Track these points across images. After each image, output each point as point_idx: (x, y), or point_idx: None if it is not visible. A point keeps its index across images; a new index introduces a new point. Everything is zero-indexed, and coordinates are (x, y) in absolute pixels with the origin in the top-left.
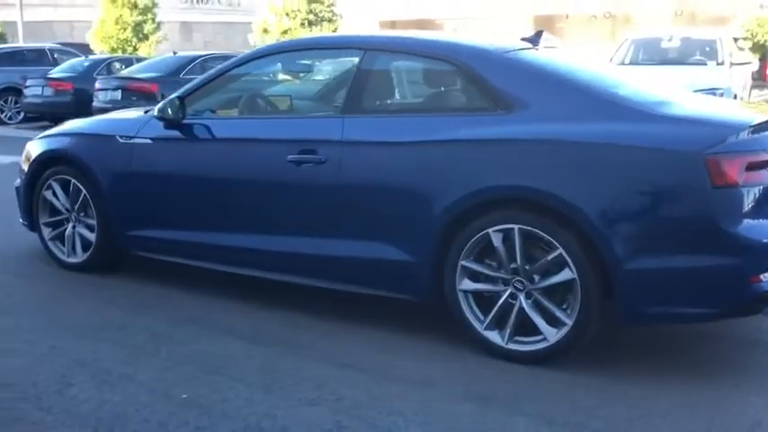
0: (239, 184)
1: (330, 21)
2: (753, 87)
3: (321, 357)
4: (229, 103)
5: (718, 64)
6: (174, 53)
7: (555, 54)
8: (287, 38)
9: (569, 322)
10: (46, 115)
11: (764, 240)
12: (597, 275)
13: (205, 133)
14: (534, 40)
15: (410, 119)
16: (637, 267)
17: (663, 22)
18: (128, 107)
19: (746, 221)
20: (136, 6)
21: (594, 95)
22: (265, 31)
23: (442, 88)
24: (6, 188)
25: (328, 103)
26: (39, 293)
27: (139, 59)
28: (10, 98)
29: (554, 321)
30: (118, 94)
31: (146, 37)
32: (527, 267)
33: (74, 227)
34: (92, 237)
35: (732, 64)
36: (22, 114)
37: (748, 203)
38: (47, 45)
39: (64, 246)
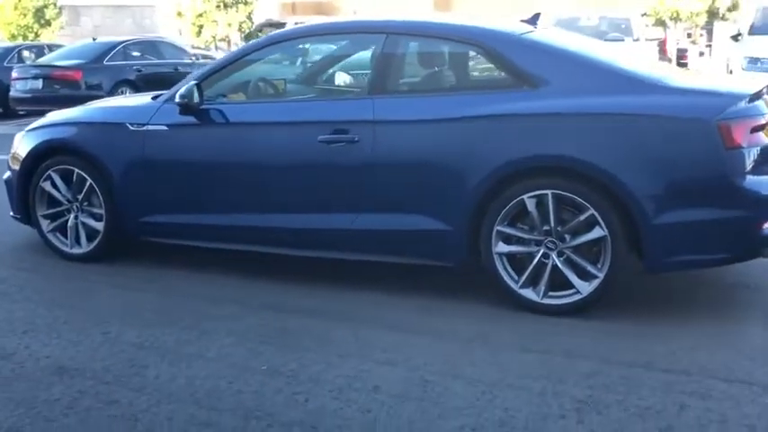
0: (267, 166)
1: (246, 3)
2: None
3: (374, 325)
4: (249, 88)
5: (634, 40)
6: (94, 39)
7: (559, 34)
8: (203, 21)
9: (600, 275)
10: None
11: (764, 193)
12: (625, 232)
13: (228, 118)
14: (533, 21)
15: (440, 97)
16: (662, 222)
17: None
18: (51, 96)
19: (750, 177)
20: None
21: (607, 71)
22: (179, 14)
23: (468, 69)
24: None
25: (355, 84)
26: (51, 285)
27: (51, 47)
28: None
29: (585, 275)
30: (39, 83)
31: (48, 23)
32: (559, 229)
33: (76, 217)
34: (98, 226)
35: (646, 39)
36: None
37: (751, 162)
38: None
39: (64, 237)
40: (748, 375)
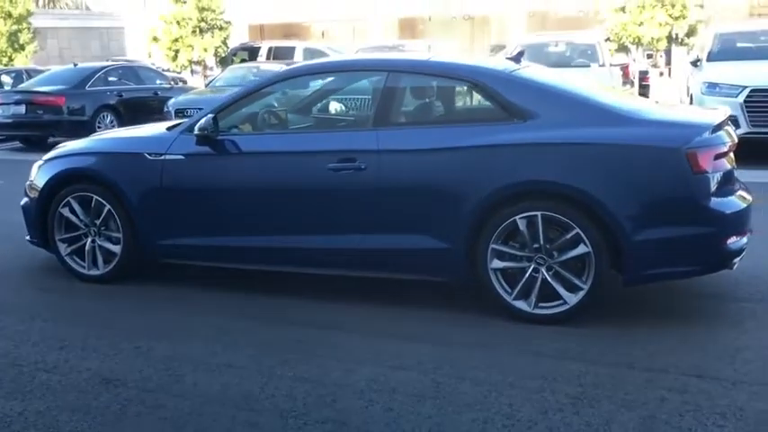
0: (279, 192)
1: (221, 29)
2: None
3: (385, 335)
4: (262, 120)
5: (600, 65)
6: (75, 65)
7: (543, 71)
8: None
9: (585, 287)
10: None
11: (728, 212)
12: (607, 248)
13: (242, 147)
14: (517, 59)
15: (438, 129)
16: (639, 239)
17: (518, 24)
18: (34, 121)
19: (715, 199)
20: (10, 15)
21: (589, 105)
22: (155, 39)
23: (463, 103)
24: None
25: (360, 117)
26: (75, 305)
27: (30, 71)
28: None
29: (572, 288)
30: (22, 109)
31: (21, 47)
32: (547, 246)
33: (93, 241)
34: (115, 249)
35: (611, 65)
36: None
37: (715, 185)
38: None
39: (81, 260)
40: (717, 372)
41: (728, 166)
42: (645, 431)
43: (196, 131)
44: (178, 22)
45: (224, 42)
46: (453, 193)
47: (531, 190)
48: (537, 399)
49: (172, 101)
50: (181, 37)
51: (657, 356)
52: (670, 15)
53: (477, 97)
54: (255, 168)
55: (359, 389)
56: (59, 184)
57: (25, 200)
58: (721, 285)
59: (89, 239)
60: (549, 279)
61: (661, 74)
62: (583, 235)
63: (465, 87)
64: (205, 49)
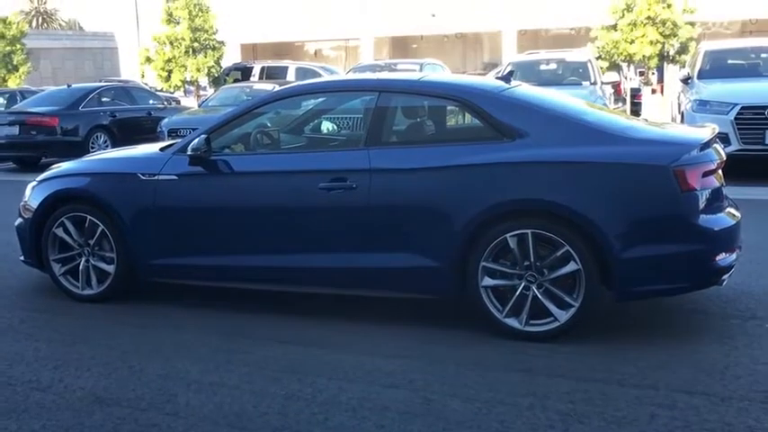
0: (271, 211)
1: (214, 49)
2: (615, 101)
3: (375, 354)
4: (254, 140)
5: (591, 84)
6: (69, 85)
7: (533, 90)
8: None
9: (576, 304)
10: None
11: (716, 229)
12: (597, 265)
13: (235, 167)
14: (507, 78)
15: (428, 148)
16: (628, 256)
17: (509, 42)
18: (28, 142)
19: (704, 216)
20: (3, 37)
21: (577, 124)
22: (148, 59)
23: (453, 122)
24: None
25: (351, 137)
26: (69, 325)
27: (23, 93)
28: None
29: (563, 305)
30: (15, 129)
31: (15, 68)
32: (538, 264)
33: (87, 261)
34: (108, 268)
35: (602, 83)
36: None
37: (704, 202)
38: None
39: (75, 279)
40: (707, 388)
41: (717, 184)
42: None
43: (189, 152)
44: (171, 43)
45: (217, 62)
46: (444, 212)
47: (521, 208)
48: (528, 416)
49: (165, 121)
50: (174, 57)
51: (647, 373)
52: (661, 33)
53: (467, 116)
54: (248, 188)
55: (351, 407)
56: (53, 204)
57: (19, 220)
58: (711, 302)
59: (83, 259)
60: (539, 296)
61: (653, 91)
62: (573, 252)
63: (455, 107)
64: (198, 70)
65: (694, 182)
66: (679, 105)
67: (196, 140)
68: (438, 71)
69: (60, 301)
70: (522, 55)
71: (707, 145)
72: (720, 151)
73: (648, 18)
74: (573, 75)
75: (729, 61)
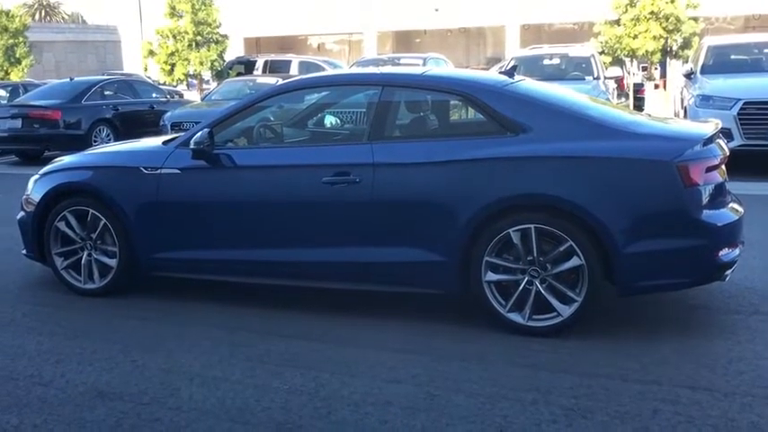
0: (274, 205)
1: (218, 42)
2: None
3: (378, 348)
4: (257, 134)
5: (594, 78)
6: (71, 78)
7: (536, 84)
8: (174, 59)
9: (579, 299)
10: None
11: (719, 224)
12: (600, 260)
13: (237, 161)
14: (510, 73)
15: (432, 143)
16: (632, 251)
17: (512, 37)
18: (30, 135)
19: (707, 212)
20: (6, 30)
21: (581, 119)
22: (151, 53)
23: (456, 117)
24: None
25: (354, 131)
26: (72, 319)
27: (26, 86)
28: None
29: (566, 300)
30: (18, 123)
31: (18, 61)
32: (541, 258)
33: (89, 254)
34: (111, 262)
35: (605, 78)
36: None
37: (707, 198)
38: None
39: (77, 273)
40: (710, 383)
41: (720, 179)
42: None
43: (192, 145)
44: (174, 36)
45: (220, 56)
46: (447, 206)
47: (524, 203)
48: (531, 411)
49: (168, 114)
50: (177, 51)
51: (650, 368)
52: (664, 28)
53: (470, 111)
54: (251, 182)
55: (353, 401)
56: (56, 198)
57: (21, 214)
58: (713, 297)
59: (85, 253)
60: (542, 291)
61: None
62: (576, 247)
63: (458, 101)
64: (201, 63)
65: (697, 177)
66: (682, 100)
67: (199, 134)
68: (441, 66)
69: (62, 295)
70: (526, 50)
71: (710, 140)
72: (724, 146)
73: (652, 13)
74: (576, 70)
75: (733, 56)
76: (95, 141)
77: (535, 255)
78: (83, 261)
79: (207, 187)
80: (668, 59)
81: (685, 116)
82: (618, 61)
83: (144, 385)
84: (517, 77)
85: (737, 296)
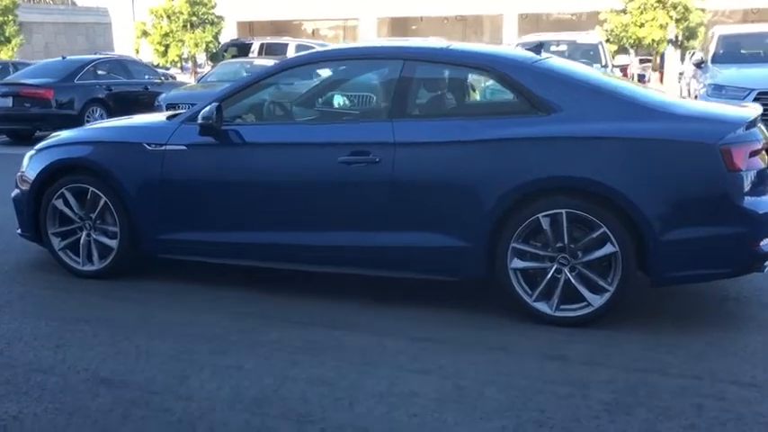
0: (285, 186)
1: (213, 23)
2: None
3: (399, 337)
4: (267, 110)
5: (602, 66)
6: (64, 57)
7: (565, 62)
8: (169, 40)
9: (611, 289)
10: None
11: (761, 212)
12: (634, 248)
13: (247, 138)
14: (537, 50)
15: (457, 121)
16: (668, 239)
17: (510, 25)
18: (21, 114)
19: (748, 198)
20: None
21: (615, 98)
22: (145, 33)
23: (485, 94)
24: None
25: (373, 108)
26: (70, 302)
27: (16, 64)
28: None
29: (597, 289)
30: (9, 101)
31: (8, 40)
32: (572, 245)
33: (89, 235)
34: (111, 243)
35: (613, 66)
36: None
37: (749, 184)
38: None
39: (76, 254)
40: (753, 379)
41: (762, 165)
42: None
43: (199, 121)
44: (169, 17)
45: (215, 38)
46: (473, 189)
47: (556, 186)
48: (568, 405)
49: (163, 96)
50: (171, 31)
51: (689, 362)
52: (671, 18)
53: (499, 88)
54: (261, 161)
55: (377, 392)
56: (53, 174)
57: (16, 191)
58: (743, 289)
59: (84, 233)
60: (572, 280)
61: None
62: (610, 234)
63: (486, 77)
64: (196, 45)
65: (741, 162)
66: (689, 90)
67: (207, 109)
68: None
69: (60, 277)
70: (531, 35)
71: (752, 124)
72: (765, 131)
73: (659, 1)
74: (584, 57)
75: (744, 46)
76: (88, 121)
77: (566, 241)
78: (81, 242)
79: (215, 165)
80: (666, 53)
81: None
82: (623, 50)
83: (151, 372)
84: (544, 55)
85: (767, 289)
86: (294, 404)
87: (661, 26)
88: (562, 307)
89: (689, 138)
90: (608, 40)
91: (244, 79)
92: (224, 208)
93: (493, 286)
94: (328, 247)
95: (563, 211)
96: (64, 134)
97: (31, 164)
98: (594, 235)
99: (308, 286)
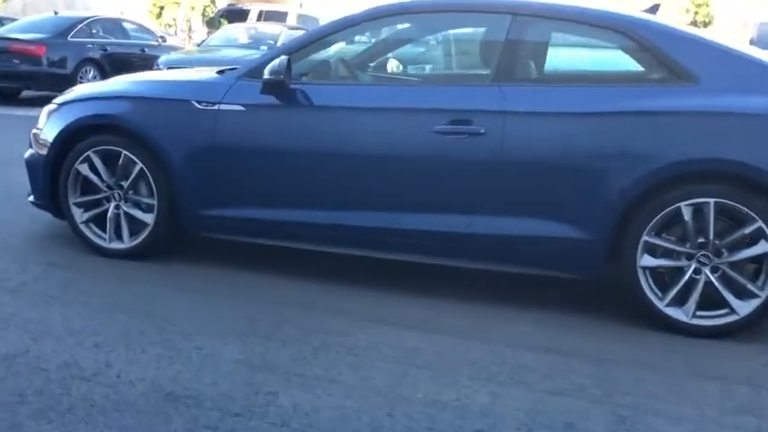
0: (365, 158)
1: None
2: None
3: (510, 343)
4: (346, 68)
5: None
6: (55, 13)
7: (689, 28)
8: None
9: (762, 295)
10: None
11: None
12: None
13: (323, 101)
14: (653, 11)
15: (582, 89)
16: None
17: None
18: (9, 71)
19: None
20: None
21: (762, 68)
22: None
23: (614, 59)
24: None
25: (476, 70)
26: (100, 286)
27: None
28: None
29: (743, 294)
30: None
31: None
32: (717, 241)
33: (117, 207)
34: (146, 218)
35: None
36: None
37: None
38: None
39: (101, 229)
40: None
41: None
42: None
43: (266, 76)
44: None
45: (212, 1)
46: (599, 170)
47: (703, 170)
48: None
49: (163, 58)
50: None
51: None
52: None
53: (632, 53)
54: (337, 127)
55: (519, 421)
56: (78, 134)
57: (30, 152)
58: None
59: (112, 204)
60: (714, 282)
61: None
62: (766, 229)
63: (614, 39)
64: (192, 8)
65: None
66: None
67: (277, 62)
68: None
69: (81, 255)
70: None
71: None
72: None
73: None
74: None
75: None
76: (81, 82)
77: (710, 237)
78: (109, 214)
79: (279, 130)
80: None
81: None
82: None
83: (225, 386)
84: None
85: None
86: (391, 425)
87: (680, 11)
88: (699, 314)
89: None
90: None
91: (316, 30)
92: (287, 181)
93: (616, 287)
94: (416, 232)
95: (711, 200)
96: (93, 87)
97: (51, 120)
98: (747, 231)
99: (390, 278)
